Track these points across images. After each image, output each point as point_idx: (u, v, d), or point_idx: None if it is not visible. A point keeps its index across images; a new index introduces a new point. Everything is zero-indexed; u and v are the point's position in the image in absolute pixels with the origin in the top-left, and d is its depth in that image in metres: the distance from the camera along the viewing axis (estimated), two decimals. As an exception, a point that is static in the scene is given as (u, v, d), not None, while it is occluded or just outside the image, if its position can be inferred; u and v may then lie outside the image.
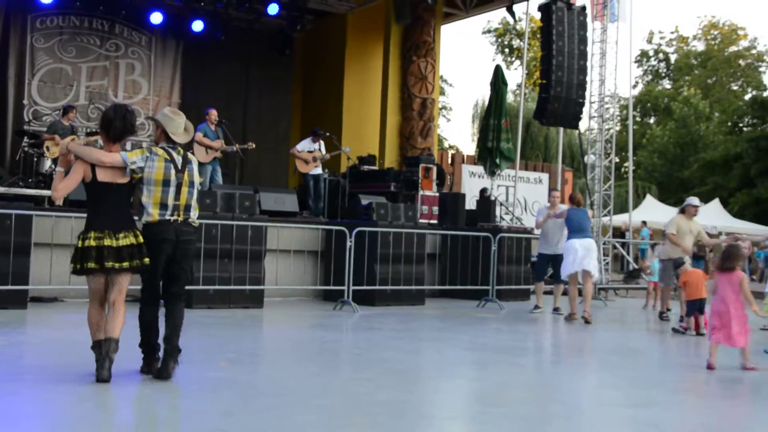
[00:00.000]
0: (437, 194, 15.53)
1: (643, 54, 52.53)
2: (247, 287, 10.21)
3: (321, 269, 11.80)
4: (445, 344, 8.18)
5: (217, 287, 9.92)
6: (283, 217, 12.19)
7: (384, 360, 6.93)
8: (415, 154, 17.43)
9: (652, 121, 49.47)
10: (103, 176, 5.30)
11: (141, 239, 5.34)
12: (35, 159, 13.16)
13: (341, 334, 8.89)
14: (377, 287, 11.22)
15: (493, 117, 16.74)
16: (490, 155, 16.69)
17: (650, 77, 53.28)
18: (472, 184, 20.35)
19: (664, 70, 53.67)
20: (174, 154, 5.50)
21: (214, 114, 12.93)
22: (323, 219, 13.50)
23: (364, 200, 12.74)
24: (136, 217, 5.50)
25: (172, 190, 5.42)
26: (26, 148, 13.46)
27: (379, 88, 18.39)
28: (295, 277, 11.54)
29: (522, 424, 4.90)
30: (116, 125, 5.41)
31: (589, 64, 15.89)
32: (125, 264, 5.25)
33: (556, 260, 11.23)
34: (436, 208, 15.24)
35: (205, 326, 8.33)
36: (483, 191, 16.67)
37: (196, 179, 5.60)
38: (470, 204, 16.53)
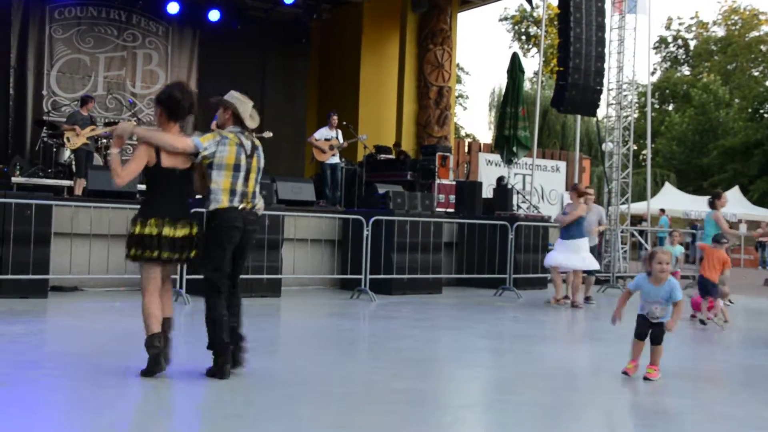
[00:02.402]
0: (454, 183, 15.51)
1: (662, 40, 52.02)
2: (265, 276, 10.25)
3: (338, 258, 11.83)
4: (462, 333, 8.19)
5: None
6: (300, 206, 12.22)
7: (401, 348, 6.94)
8: (431, 143, 17.42)
9: (670, 108, 49.03)
10: (167, 161, 5.12)
11: (196, 230, 5.22)
12: (54, 149, 13.29)
13: (358, 323, 8.92)
14: (394, 276, 11.23)
15: (510, 105, 16.67)
16: (507, 143, 16.62)
17: (669, 64, 52.77)
18: (488, 172, 20.29)
19: (683, 57, 53.12)
20: (243, 139, 5.29)
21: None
22: (340, 208, 13.52)
23: (381, 189, 12.75)
24: (197, 207, 5.33)
25: (241, 175, 5.21)
26: (45, 139, 13.60)
27: (395, 77, 18.36)
28: (312, 266, 11.58)
29: (539, 412, 4.90)
30: (184, 105, 5.21)
31: (607, 50, 15.77)
32: (176, 255, 5.13)
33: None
34: (452, 197, 15.24)
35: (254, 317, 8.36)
36: (500, 179, 16.62)
37: (262, 165, 5.42)
38: (487, 192, 16.50)
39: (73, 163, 12.58)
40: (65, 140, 12.27)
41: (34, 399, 4.60)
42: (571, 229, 10.77)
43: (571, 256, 10.73)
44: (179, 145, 5.12)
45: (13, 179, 12.45)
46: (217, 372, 5.11)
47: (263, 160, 5.44)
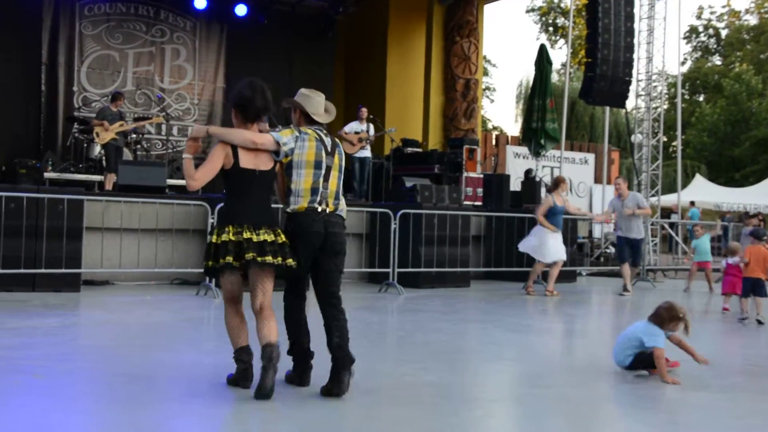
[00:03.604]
0: (481, 176, 15.45)
1: (693, 30, 51.28)
2: (293, 270, 10.26)
3: (366, 252, 11.84)
4: (491, 326, 8.17)
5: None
6: (327, 199, 12.22)
7: (429, 342, 6.94)
8: (458, 136, 17.35)
9: (701, 98, 48.35)
10: (246, 162, 4.65)
11: (283, 238, 4.67)
12: (85, 145, 13.44)
13: (386, 316, 8.93)
14: (422, 269, 11.22)
15: (537, 97, 16.55)
16: (535, 136, 16.51)
17: (700, 54, 52.01)
18: (516, 165, 20.19)
19: (715, 46, 52.33)
20: (322, 135, 4.85)
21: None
22: (367, 201, 13.53)
23: (408, 182, 12.73)
24: (279, 206, 4.89)
25: (322, 174, 4.75)
26: (76, 134, 13.76)
27: (421, 69, 18.31)
28: (340, 260, 11.59)
29: (569, 406, 4.87)
30: (257, 104, 4.75)
31: (636, 41, 15.60)
32: (268, 258, 4.57)
33: (632, 244, 11.73)
34: (480, 190, 15.17)
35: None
36: (528, 172, 16.52)
37: (344, 164, 4.98)
38: (515, 185, 16.41)
39: (104, 158, 12.73)
40: (95, 135, 12.41)
41: (67, 391, 4.67)
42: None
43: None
44: (258, 141, 4.67)
45: (46, 174, 12.61)
46: (294, 377, 4.90)
47: (344, 158, 5.00)
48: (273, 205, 4.88)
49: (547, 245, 10.97)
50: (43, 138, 15.18)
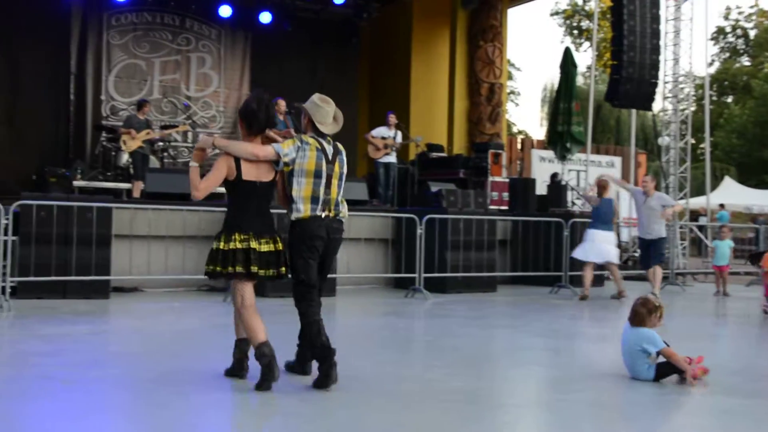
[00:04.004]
0: (507, 180, 15.40)
1: (720, 31, 50.69)
2: (320, 276, 10.29)
3: (392, 257, 11.84)
4: (518, 331, 8.12)
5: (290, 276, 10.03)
6: (353, 205, 12.22)
7: (457, 347, 6.91)
8: (483, 140, 17.31)
9: (729, 100, 47.77)
10: (248, 174, 4.90)
11: (281, 246, 5.00)
12: (113, 153, 13.60)
13: (413, 322, 8.91)
14: (448, 274, 11.19)
15: (563, 100, 16.47)
16: (560, 139, 16.42)
17: (728, 54, 51.40)
18: (542, 168, 20.07)
19: (743, 47, 51.67)
20: (324, 144, 5.07)
21: (282, 104, 13.06)
22: (392, 207, 13.53)
23: (434, 187, 12.73)
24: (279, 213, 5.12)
25: (323, 182, 4.99)
26: (104, 143, 13.94)
27: (446, 74, 18.30)
28: (366, 265, 11.61)
29: (599, 411, 4.83)
30: (260, 117, 4.98)
31: (662, 42, 15.48)
32: (270, 272, 4.97)
33: (649, 245, 11.40)
34: (506, 194, 15.12)
35: (279, 314, 8.43)
36: (554, 176, 16.43)
37: (345, 171, 5.20)
38: (541, 189, 16.32)
39: (131, 166, 12.87)
40: (121, 143, 12.55)
41: (97, 397, 4.71)
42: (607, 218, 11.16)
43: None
44: (260, 153, 4.91)
45: (75, 183, 12.78)
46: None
47: (346, 165, 5.21)
48: (272, 210, 5.12)
49: (599, 246, 11.03)
50: (72, 147, 15.37)
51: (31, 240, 8.87)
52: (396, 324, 8.53)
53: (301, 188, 4.96)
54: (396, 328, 8.26)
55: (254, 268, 4.87)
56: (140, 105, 12.91)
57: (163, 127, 14.38)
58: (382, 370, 5.77)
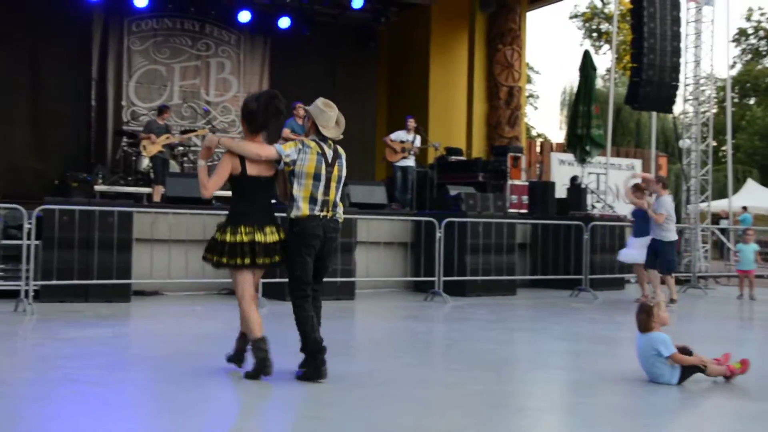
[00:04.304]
0: (526, 183, 15.34)
1: (742, 32, 50.21)
2: (339, 279, 10.33)
3: (411, 260, 11.83)
4: (539, 334, 8.09)
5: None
6: (372, 209, 12.28)
7: (477, 351, 6.90)
8: (502, 144, 17.26)
9: (752, 102, 47.31)
10: (252, 170, 5.21)
11: (282, 235, 5.28)
12: (134, 158, 13.70)
13: (433, 325, 8.90)
14: (468, 278, 11.18)
15: (582, 103, 16.39)
16: (580, 142, 16.34)
17: (750, 56, 50.93)
18: (561, 172, 19.96)
19: (765, 48, 51.19)
20: (325, 148, 5.30)
21: (301, 109, 13.12)
22: (412, 210, 13.52)
23: (453, 191, 12.70)
24: (282, 213, 5.40)
25: (321, 184, 5.25)
26: (125, 148, 14.04)
27: (464, 78, 18.27)
28: (385, 269, 11.62)
29: (620, 415, 4.79)
30: (258, 117, 5.26)
31: (683, 45, 15.37)
32: (276, 258, 5.26)
33: (654, 246, 10.84)
34: (525, 198, 15.07)
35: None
36: (573, 179, 16.35)
37: (344, 175, 5.46)
38: (560, 192, 16.25)
39: (151, 170, 12.95)
40: (142, 148, 12.65)
41: (120, 399, 4.74)
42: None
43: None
44: (263, 153, 5.20)
45: (96, 187, 12.88)
46: (314, 374, 5.15)
47: (345, 169, 5.44)
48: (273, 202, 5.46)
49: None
50: (93, 152, 15.49)
51: (54, 244, 8.96)
52: (415, 327, 8.52)
53: (301, 188, 5.23)
54: (415, 331, 8.25)
55: (260, 260, 5.17)
56: (160, 110, 13.00)
57: (183, 132, 14.47)
58: (403, 374, 5.76)
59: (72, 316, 8.14)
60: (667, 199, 10.60)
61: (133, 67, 16.06)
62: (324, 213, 5.26)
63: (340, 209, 5.41)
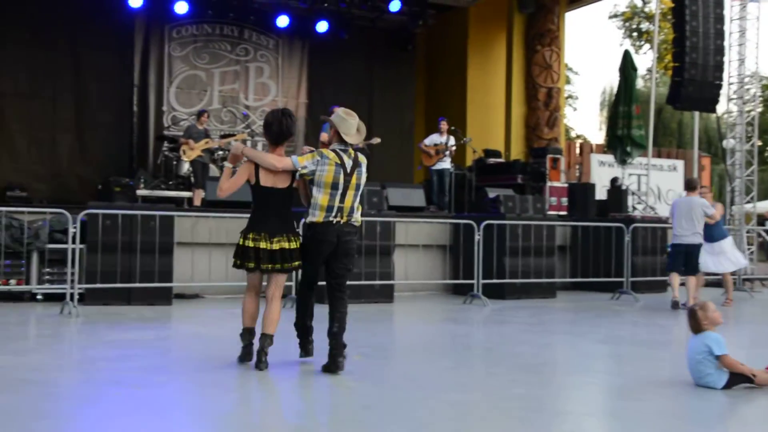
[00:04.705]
0: (566, 185, 15.20)
1: (786, 29, 49.22)
2: (378, 282, 10.34)
3: (449, 263, 11.79)
4: (580, 338, 8.00)
5: (348, 282, 10.06)
6: (410, 212, 12.26)
7: (517, 354, 6.84)
8: (541, 145, 17.13)
9: (798, 100, 46.28)
10: (265, 181, 5.60)
11: (294, 244, 5.63)
12: (174, 162, 13.87)
13: (472, 328, 8.85)
14: (507, 280, 11.10)
15: (622, 104, 16.19)
16: (620, 143, 16.15)
17: (794, 54, 49.84)
18: (601, 173, 19.73)
19: (810, 46, 50.05)
20: (345, 158, 5.64)
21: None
22: (450, 213, 13.48)
23: (491, 193, 12.63)
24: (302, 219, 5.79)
25: (339, 193, 5.60)
26: (166, 152, 14.23)
27: (503, 79, 18.18)
28: (424, 272, 11.60)
29: (664, 420, 4.71)
30: (273, 130, 5.69)
31: (726, 43, 15.08)
32: (277, 266, 5.60)
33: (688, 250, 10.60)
34: (564, 199, 14.94)
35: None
36: (614, 180, 16.16)
37: (363, 182, 5.77)
38: (600, 194, 16.06)
39: (192, 175, 13.11)
40: (181, 153, 12.81)
41: (163, 402, 4.80)
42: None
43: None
44: (278, 165, 5.59)
45: (138, 192, 13.06)
46: (301, 352, 5.85)
47: (364, 176, 5.78)
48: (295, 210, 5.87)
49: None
50: (135, 157, 15.74)
51: (98, 248, 9.11)
52: (455, 331, 8.49)
53: (319, 196, 5.61)
54: (455, 334, 8.22)
55: (263, 265, 5.59)
56: (199, 115, 13.16)
57: (223, 137, 14.61)
58: (442, 378, 5.74)
59: (115, 318, 8.27)
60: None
61: (173, 72, 16.28)
62: (338, 219, 5.63)
63: (357, 213, 5.76)
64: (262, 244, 5.54)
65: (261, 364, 5.50)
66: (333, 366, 5.50)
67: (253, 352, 5.70)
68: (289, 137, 5.79)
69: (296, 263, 5.68)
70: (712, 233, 10.78)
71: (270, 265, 5.59)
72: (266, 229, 5.58)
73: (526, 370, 6.11)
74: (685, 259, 10.42)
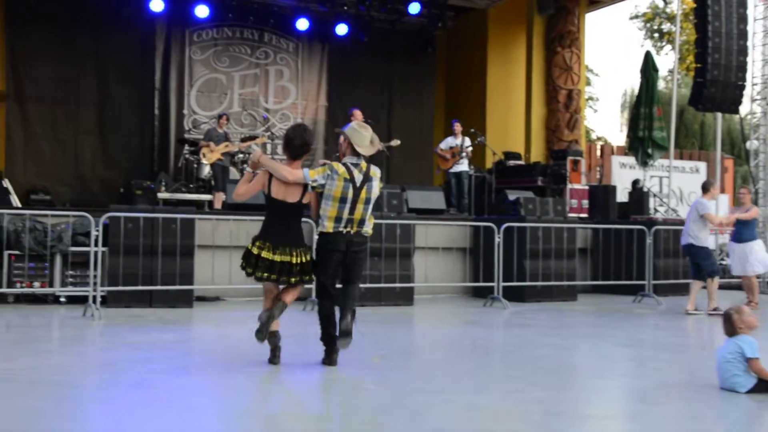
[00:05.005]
0: (586, 187, 15.12)
1: (810, 29, 48.67)
2: (398, 285, 10.34)
3: (470, 266, 11.77)
4: (601, 341, 7.95)
5: (368, 285, 10.11)
6: (430, 214, 12.25)
7: (537, 357, 6.81)
8: (561, 147, 17.04)
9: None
10: (276, 192, 5.76)
11: (300, 259, 5.75)
12: (195, 165, 13.95)
13: (492, 331, 8.82)
14: (527, 283, 11.06)
15: (644, 105, 16.09)
16: (641, 145, 16.04)
17: (819, 54, 49.24)
18: (622, 175, 19.63)
19: (835, 45, 49.45)
20: (355, 172, 5.78)
21: (358, 114, 13.17)
22: (470, 215, 13.45)
23: (512, 195, 12.59)
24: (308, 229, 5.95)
25: (347, 206, 5.76)
26: (187, 156, 14.31)
27: (523, 81, 18.11)
28: (444, 274, 11.58)
29: (687, 424, 4.67)
30: (294, 144, 5.86)
31: (750, 43, 14.93)
32: (273, 276, 5.70)
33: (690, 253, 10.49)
34: (585, 202, 14.85)
35: (357, 323, 8.50)
36: (635, 182, 16.06)
37: (374, 196, 5.89)
38: (622, 196, 15.97)
39: (212, 178, 13.18)
40: (201, 156, 12.88)
41: (183, 404, 4.83)
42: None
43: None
44: (290, 177, 5.74)
45: (159, 195, 13.17)
46: (326, 360, 5.85)
47: (376, 190, 5.90)
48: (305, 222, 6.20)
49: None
50: (156, 160, 15.86)
51: (120, 251, 9.18)
52: (475, 333, 8.47)
53: (327, 209, 5.77)
54: (475, 337, 8.20)
55: (259, 273, 5.71)
56: (219, 118, 13.23)
57: (243, 140, 14.68)
58: (463, 380, 5.73)
59: (137, 321, 8.33)
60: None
61: (194, 76, 16.38)
62: (348, 229, 5.80)
63: (368, 224, 5.93)
64: (264, 253, 5.67)
65: (260, 335, 5.69)
66: (342, 327, 5.68)
67: (266, 331, 5.78)
68: (308, 152, 5.95)
69: (294, 279, 5.74)
70: (742, 234, 10.66)
71: (266, 274, 5.69)
72: (271, 239, 5.72)
73: (546, 373, 6.08)
74: (690, 262, 10.46)
